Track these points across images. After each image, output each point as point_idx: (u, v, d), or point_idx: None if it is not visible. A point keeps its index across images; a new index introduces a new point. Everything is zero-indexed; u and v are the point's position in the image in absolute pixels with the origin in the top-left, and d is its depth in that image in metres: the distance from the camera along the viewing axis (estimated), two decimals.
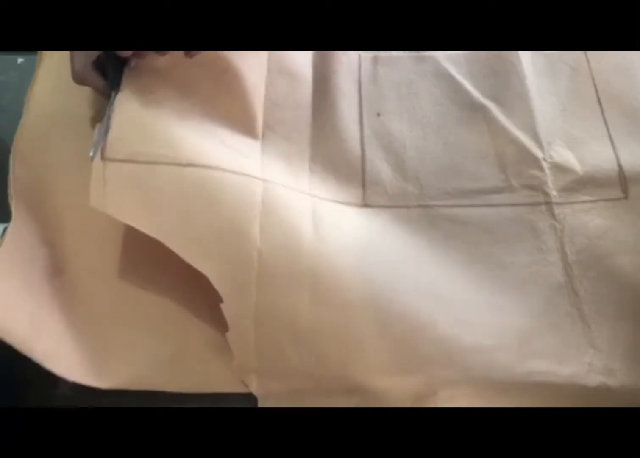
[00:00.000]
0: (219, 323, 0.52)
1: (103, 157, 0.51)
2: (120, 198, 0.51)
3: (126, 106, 0.54)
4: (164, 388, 0.52)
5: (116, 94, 0.54)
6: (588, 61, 0.65)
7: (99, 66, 0.55)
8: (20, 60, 0.66)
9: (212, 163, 0.53)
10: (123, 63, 0.56)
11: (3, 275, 0.50)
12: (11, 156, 0.56)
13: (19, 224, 0.53)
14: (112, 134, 0.52)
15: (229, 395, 0.52)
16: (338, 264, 0.53)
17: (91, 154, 0.50)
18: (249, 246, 0.51)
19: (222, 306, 0.51)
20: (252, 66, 0.62)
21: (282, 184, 0.56)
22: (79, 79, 0.55)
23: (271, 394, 0.52)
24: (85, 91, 0.59)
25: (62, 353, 0.51)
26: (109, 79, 0.56)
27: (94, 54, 0.54)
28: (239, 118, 0.59)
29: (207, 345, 0.53)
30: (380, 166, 0.60)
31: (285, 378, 0.52)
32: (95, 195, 0.50)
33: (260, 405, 0.52)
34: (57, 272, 0.54)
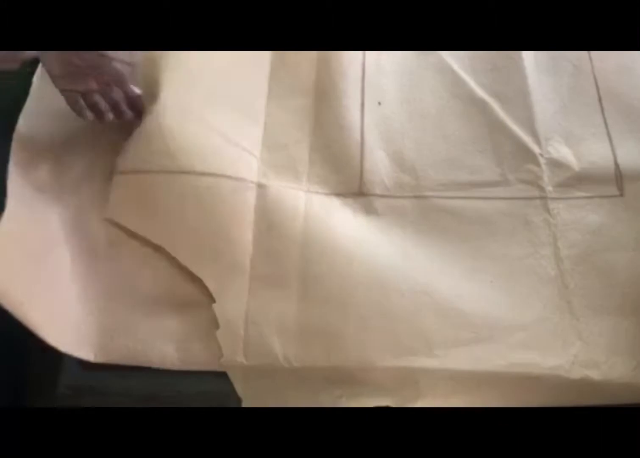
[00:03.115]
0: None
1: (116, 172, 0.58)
2: (123, 205, 0.56)
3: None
4: (159, 365, 0.53)
5: None
6: (591, 60, 0.66)
7: None
8: None
9: (209, 170, 0.58)
10: None
11: (4, 244, 0.52)
12: (11, 151, 0.58)
13: (15, 202, 0.55)
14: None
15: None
16: (324, 265, 0.56)
17: None
18: (243, 252, 0.56)
19: (214, 306, 0.54)
20: (254, 58, 0.64)
21: (278, 182, 0.59)
22: None
23: (255, 391, 0.53)
24: None
25: (56, 324, 0.52)
26: None
27: None
28: (241, 107, 0.62)
29: (208, 323, 0.55)
30: (378, 156, 0.61)
31: (270, 374, 0.54)
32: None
33: (244, 404, 0.53)
34: (55, 247, 0.56)
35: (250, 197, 0.57)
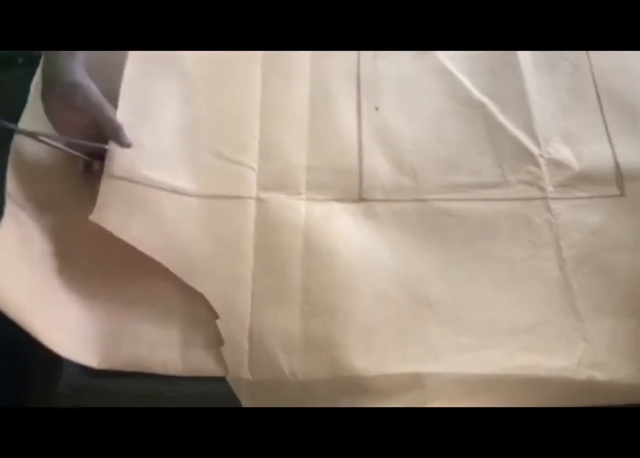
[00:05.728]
0: None
1: (105, 174, 0.55)
2: (119, 215, 0.55)
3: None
4: (162, 372, 0.53)
5: None
6: (589, 59, 0.66)
7: None
8: (20, 60, 0.67)
9: (209, 192, 0.58)
10: None
11: (4, 250, 0.51)
12: (10, 154, 0.57)
13: (14, 206, 0.55)
14: (114, 152, 0.56)
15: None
16: (326, 277, 0.56)
17: None
18: (244, 268, 0.56)
19: (218, 322, 0.54)
20: (244, 69, 0.65)
21: (277, 195, 0.59)
22: None
23: (260, 404, 0.52)
24: None
25: (58, 330, 0.51)
26: None
27: None
28: (234, 119, 0.62)
29: (210, 330, 0.54)
30: (377, 160, 0.61)
31: (276, 387, 0.53)
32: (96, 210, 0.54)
33: None
34: (56, 252, 0.55)
35: (250, 212, 0.58)
